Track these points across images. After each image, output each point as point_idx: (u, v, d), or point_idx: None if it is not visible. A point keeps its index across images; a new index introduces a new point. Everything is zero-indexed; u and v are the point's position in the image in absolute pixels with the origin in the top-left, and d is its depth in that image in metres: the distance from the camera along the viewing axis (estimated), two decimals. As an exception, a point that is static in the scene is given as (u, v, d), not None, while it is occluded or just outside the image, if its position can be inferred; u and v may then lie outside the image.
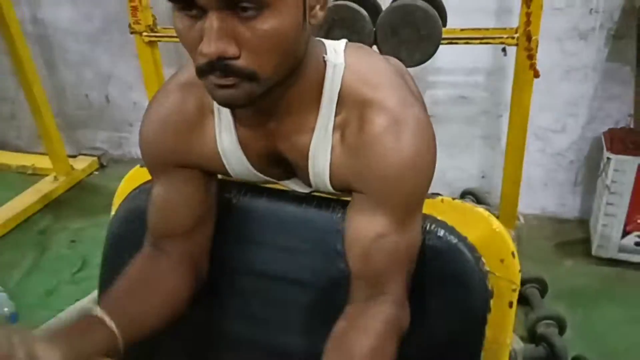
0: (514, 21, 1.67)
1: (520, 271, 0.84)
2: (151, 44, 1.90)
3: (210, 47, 0.56)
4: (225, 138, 0.75)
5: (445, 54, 2.01)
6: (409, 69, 1.28)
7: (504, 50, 1.88)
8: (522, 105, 1.61)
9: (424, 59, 1.52)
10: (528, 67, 1.53)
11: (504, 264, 0.84)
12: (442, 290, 0.82)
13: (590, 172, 2.11)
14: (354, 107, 0.68)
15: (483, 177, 2.26)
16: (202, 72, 0.60)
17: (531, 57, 1.50)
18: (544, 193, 2.21)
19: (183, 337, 0.92)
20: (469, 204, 0.89)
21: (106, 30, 2.54)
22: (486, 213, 0.88)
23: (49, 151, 2.53)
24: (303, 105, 0.69)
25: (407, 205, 0.69)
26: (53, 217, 2.40)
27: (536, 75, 1.54)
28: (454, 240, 0.83)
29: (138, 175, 1.01)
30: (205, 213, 0.80)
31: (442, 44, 1.52)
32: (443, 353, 0.82)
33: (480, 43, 1.59)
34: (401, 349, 0.75)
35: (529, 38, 1.49)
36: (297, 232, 0.87)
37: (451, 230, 0.83)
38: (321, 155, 0.71)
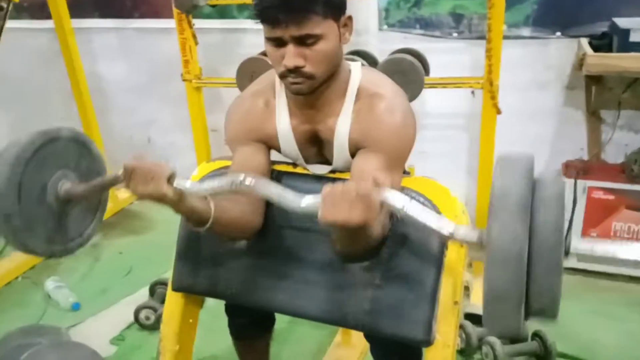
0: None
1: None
2: (197, 89, 2.39)
3: (289, 62, 1.03)
4: (282, 124, 1.20)
5: (431, 100, 2.50)
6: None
7: (472, 92, 2.37)
8: (489, 136, 2.06)
9: (412, 99, 1.97)
10: (492, 105, 1.98)
11: (456, 218, 1.24)
12: (416, 232, 1.21)
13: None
14: (365, 98, 1.14)
15: (466, 203, 2.67)
16: (283, 75, 1.07)
17: (493, 97, 1.96)
18: (517, 216, 2.60)
19: (236, 272, 1.31)
20: (434, 180, 1.31)
21: (151, 82, 3.04)
22: (446, 186, 1.31)
23: (99, 182, 2.98)
24: (334, 99, 1.15)
25: (394, 155, 1.11)
26: (102, 235, 2.82)
27: (498, 112, 1.99)
28: (424, 201, 1.24)
29: (204, 169, 1.43)
30: (266, 171, 1.23)
31: (425, 87, 1.98)
32: (418, 272, 1.19)
33: (454, 87, 2.05)
34: (388, 261, 1.16)
35: (491, 83, 1.95)
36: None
37: (422, 195, 1.24)
38: (343, 129, 1.15)
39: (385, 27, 2.52)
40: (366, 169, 1.10)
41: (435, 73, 2.19)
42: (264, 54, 1.99)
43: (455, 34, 2.46)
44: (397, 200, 0.91)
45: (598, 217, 2.25)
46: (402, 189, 1.23)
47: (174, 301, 1.39)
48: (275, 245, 1.29)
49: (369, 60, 2.12)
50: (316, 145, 1.23)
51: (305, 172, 1.32)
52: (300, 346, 1.95)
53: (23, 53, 3.13)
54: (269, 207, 1.27)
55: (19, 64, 3.10)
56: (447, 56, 2.45)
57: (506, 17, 2.28)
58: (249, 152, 1.21)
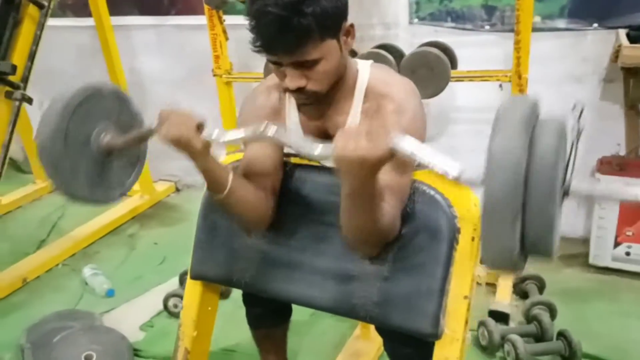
0: (513, 66, 2.10)
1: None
2: (228, 84, 2.44)
3: (291, 85, 1.06)
4: (291, 120, 1.21)
5: (461, 94, 2.46)
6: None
7: (500, 86, 2.32)
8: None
9: (437, 92, 1.96)
10: (520, 99, 1.94)
11: (469, 212, 1.23)
12: (427, 226, 1.21)
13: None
14: (374, 98, 1.14)
15: (497, 199, 2.63)
16: (287, 91, 1.10)
17: (522, 90, 1.92)
18: (550, 214, 2.54)
19: (251, 261, 1.34)
20: (447, 175, 1.30)
21: (187, 77, 3.12)
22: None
23: (138, 175, 3.08)
24: (343, 98, 1.16)
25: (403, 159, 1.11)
26: (139, 225, 2.92)
27: (527, 105, 1.94)
28: (436, 195, 1.23)
29: (227, 160, 1.47)
30: (276, 165, 1.25)
31: (452, 80, 1.96)
32: (426, 265, 1.19)
33: (481, 80, 2.02)
34: (398, 253, 1.17)
35: (519, 76, 1.91)
36: (327, 189, 1.29)
37: (434, 189, 1.24)
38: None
39: (415, 20, 2.49)
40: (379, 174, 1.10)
41: (467, 67, 2.16)
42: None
43: (487, 27, 2.42)
44: (406, 144, 0.91)
45: (634, 216, 2.17)
46: (413, 182, 1.23)
47: (192, 289, 1.44)
48: (289, 236, 1.31)
49: (396, 54, 2.12)
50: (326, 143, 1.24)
51: (319, 164, 1.34)
52: (321, 339, 1.97)
53: (67, 49, 3.27)
54: (283, 199, 1.30)
55: (63, 60, 3.23)
56: (479, 49, 2.41)
57: (540, 9, 2.24)
58: (260, 146, 1.24)
